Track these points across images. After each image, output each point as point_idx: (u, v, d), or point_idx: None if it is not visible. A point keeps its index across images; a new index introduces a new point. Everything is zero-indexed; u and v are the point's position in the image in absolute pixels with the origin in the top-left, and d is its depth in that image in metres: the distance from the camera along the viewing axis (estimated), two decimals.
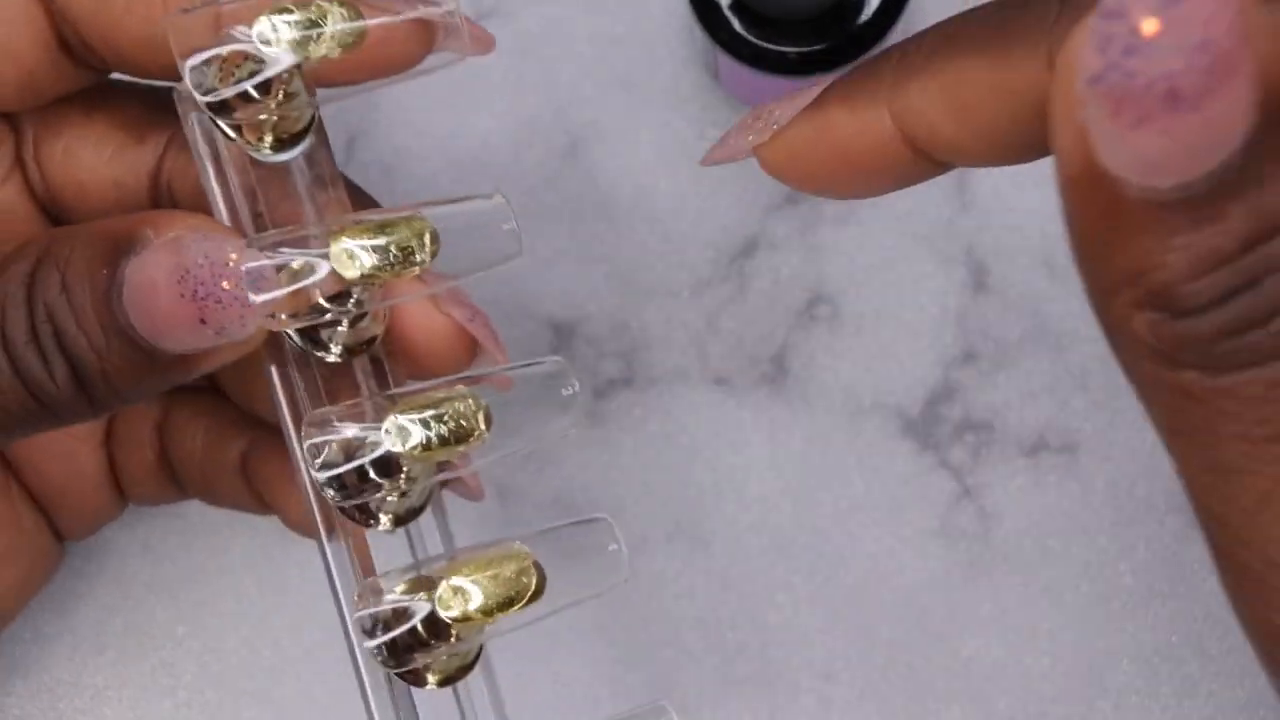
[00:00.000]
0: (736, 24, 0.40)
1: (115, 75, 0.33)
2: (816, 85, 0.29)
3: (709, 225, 0.43)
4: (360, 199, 0.34)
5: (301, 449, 0.30)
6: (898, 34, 0.40)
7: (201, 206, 0.32)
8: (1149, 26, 0.19)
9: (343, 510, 0.31)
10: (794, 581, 0.42)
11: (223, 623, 0.43)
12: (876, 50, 0.39)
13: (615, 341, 0.43)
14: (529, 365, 0.31)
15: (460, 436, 0.29)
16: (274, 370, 0.31)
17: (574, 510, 0.42)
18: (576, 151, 0.43)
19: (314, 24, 0.29)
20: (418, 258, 0.29)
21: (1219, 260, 0.21)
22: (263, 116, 0.30)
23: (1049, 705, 0.41)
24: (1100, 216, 0.21)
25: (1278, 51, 0.20)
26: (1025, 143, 0.26)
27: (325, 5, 0.29)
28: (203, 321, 0.29)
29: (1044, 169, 0.25)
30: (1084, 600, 0.42)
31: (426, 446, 0.29)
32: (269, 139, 0.31)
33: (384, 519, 0.31)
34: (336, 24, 0.29)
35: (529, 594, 0.29)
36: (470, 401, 0.29)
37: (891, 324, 0.43)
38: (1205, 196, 0.20)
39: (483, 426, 0.29)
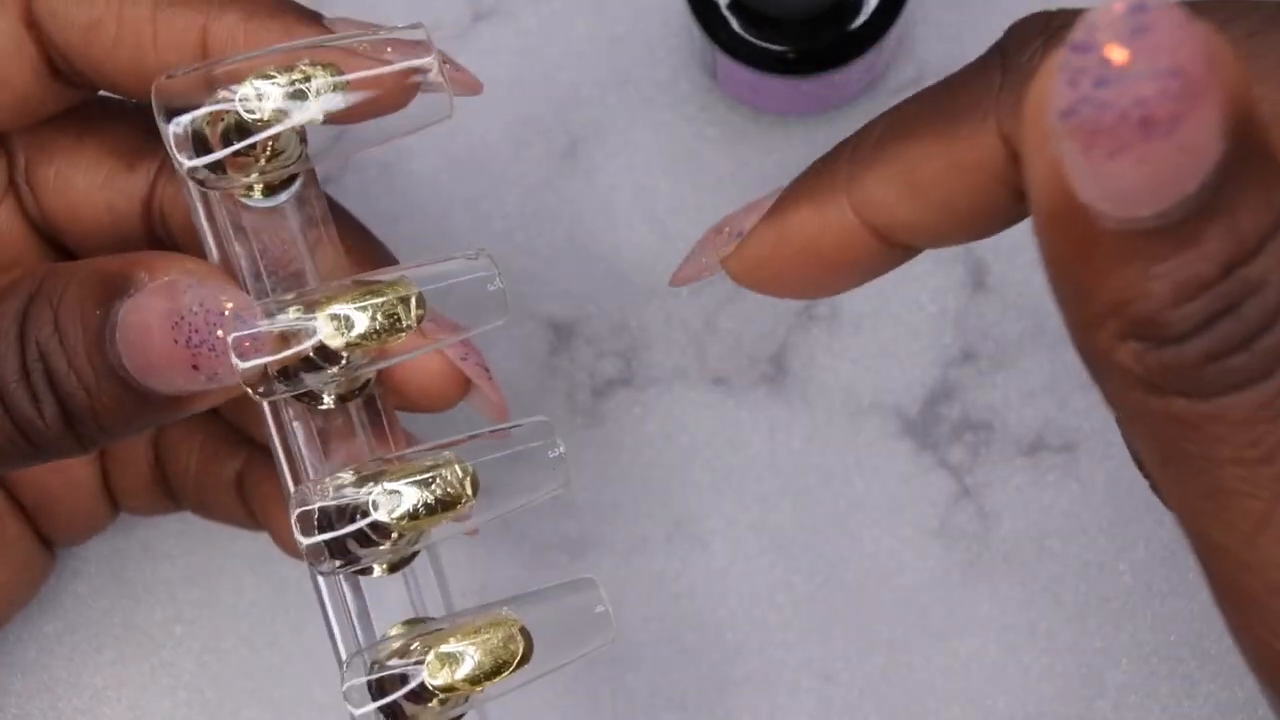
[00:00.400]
0: (735, 24, 0.40)
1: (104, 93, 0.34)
2: (774, 192, 0.29)
3: (708, 224, 0.43)
4: (354, 231, 0.34)
5: (292, 516, 0.30)
6: (896, 34, 0.40)
7: (195, 234, 0.32)
8: (1119, 55, 0.19)
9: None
10: (794, 581, 0.42)
11: (222, 623, 0.43)
12: (874, 50, 0.39)
13: (615, 341, 0.43)
14: (514, 427, 0.32)
15: (448, 504, 0.30)
16: (267, 405, 0.32)
17: (573, 509, 0.42)
18: (576, 151, 0.43)
19: (299, 89, 0.29)
20: (404, 323, 0.29)
21: (1200, 286, 0.21)
22: (252, 176, 0.30)
23: (1048, 705, 0.41)
24: (1078, 250, 0.21)
25: (1238, 77, 0.20)
26: (985, 214, 0.27)
27: (309, 69, 0.29)
28: (195, 367, 0.29)
29: None
30: (1083, 600, 0.42)
31: (414, 516, 0.29)
32: (258, 189, 0.31)
33: (378, 569, 0.32)
34: (320, 88, 0.29)
35: (517, 661, 0.30)
36: (457, 468, 0.30)
37: (890, 324, 0.43)
38: (1181, 224, 0.20)
39: (470, 493, 0.30)
